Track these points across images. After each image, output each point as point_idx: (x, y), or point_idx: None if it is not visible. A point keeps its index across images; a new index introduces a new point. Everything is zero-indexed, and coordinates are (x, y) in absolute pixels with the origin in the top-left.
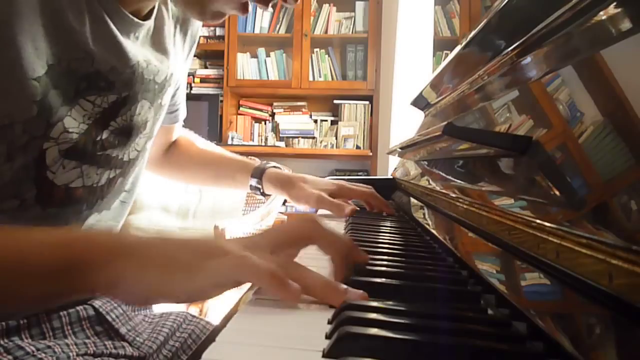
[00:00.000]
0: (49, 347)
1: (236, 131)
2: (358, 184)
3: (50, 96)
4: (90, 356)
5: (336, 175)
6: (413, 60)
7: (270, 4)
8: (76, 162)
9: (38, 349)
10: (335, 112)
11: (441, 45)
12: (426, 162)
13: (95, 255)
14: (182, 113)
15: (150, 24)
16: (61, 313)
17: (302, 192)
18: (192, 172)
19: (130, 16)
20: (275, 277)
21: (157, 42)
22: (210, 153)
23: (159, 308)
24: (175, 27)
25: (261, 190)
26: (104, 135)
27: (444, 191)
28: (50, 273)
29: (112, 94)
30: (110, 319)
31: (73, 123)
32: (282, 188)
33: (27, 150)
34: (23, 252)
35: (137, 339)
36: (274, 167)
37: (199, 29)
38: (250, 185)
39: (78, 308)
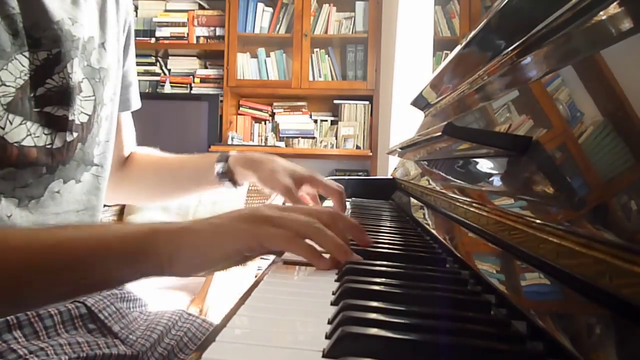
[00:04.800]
0: (41, 349)
1: (236, 131)
2: (331, 181)
3: None
4: (83, 359)
5: (336, 175)
6: (413, 60)
7: None
8: (20, 117)
9: (31, 352)
10: (335, 112)
11: (441, 45)
12: (426, 162)
13: (156, 241)
14: (134, 102)
15: None
16: (52, 312)
17: (271, 176)
18: (151, 181)
19: None
20: (309, 250)
21: (82, 4)
22: (169, 157)
23: (155, 306)
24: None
25: (229, 177)
26: (39, 92)
27: (443, 191)
28: (125, 262)
29: (41, 51)
30: (102, 317)
31: (10, 77)
32: (250, 168)
33: None
34: (107, 242)
35: (130, 336)
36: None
37: (129, 7)
38: (217, 173)
39: (70, 307)
